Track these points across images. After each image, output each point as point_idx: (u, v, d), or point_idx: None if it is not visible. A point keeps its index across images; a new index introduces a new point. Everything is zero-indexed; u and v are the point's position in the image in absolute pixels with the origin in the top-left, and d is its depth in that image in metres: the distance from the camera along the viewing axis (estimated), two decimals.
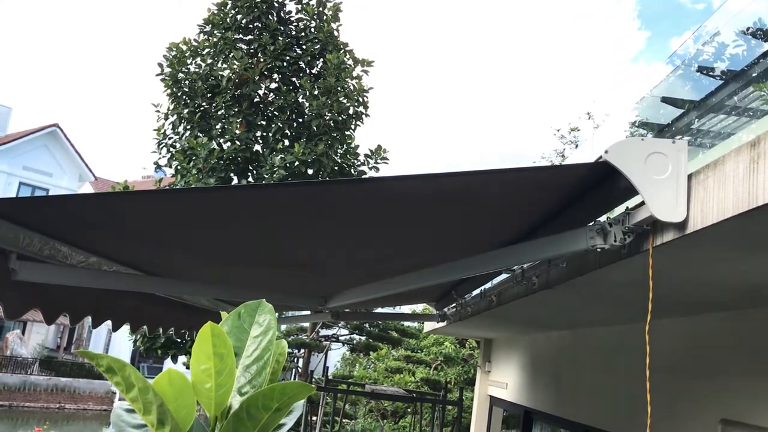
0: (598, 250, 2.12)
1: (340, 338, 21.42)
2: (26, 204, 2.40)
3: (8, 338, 34.67)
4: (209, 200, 2.27)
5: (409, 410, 11.90)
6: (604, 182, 2.15)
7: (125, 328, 4.51)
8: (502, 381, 7.90)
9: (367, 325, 19.11)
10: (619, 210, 2.18)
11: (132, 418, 1.28)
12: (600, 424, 4.90)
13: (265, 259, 3.45)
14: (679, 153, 1.91)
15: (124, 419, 1.28)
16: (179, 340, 10.74)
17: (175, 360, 11.08)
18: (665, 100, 7.71)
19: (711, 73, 6.22)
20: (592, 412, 5.08)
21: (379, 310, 7.73)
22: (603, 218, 2.22)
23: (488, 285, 4.27)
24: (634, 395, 4.21)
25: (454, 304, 5.58)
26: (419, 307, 17.19)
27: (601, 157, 1.92)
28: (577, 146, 17.87)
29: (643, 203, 1.95)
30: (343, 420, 10.65)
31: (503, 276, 3.83)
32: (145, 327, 4.20)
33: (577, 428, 5.47)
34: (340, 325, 19.68)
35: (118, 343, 33.02)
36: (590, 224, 2.18)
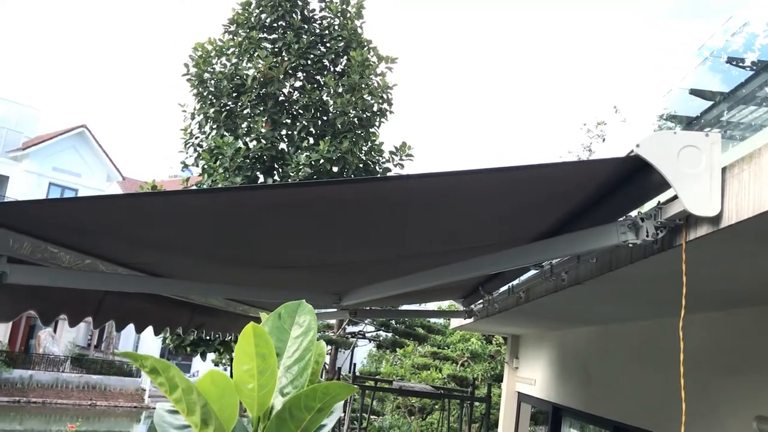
0: (630, 245, 2.10)
1: (367, 335, 21.47)
2: (17, 208, 2.41)
3: (41, 337, 35.26)
4: (218, 202, 2.26)
5: (436, 407, 11.88)
6: (635, 176, 2.12)
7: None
8: (531, 377, 7.86)
9: (393, 322, 19.13)
10: (651, 205, 2.15)
11: (174, 419, 1.29)
12: (631, 420, 4.86)
13: (279, 259, 3.43)
14: (713, 146, 1.88)
15: (167, 420, 1.29)
16: (208, 338, 10.83)
17: (204, 357, 11.17)
18: (694, 92, 7.61)
19: (741, 64, 6.12)
20: (623, 408, 5.03)
21: (405, 307, 7.72)
22: (634, 213, 2.20)
23: (516, 281, 4.24)
24: (666, 391, 4.17)
25: (481, 301, 5.55)
26: (444, 304, 17.16)
27: (632, 151, 1.90)
28: (604, 140, 17.69)
29: (675, 197, 1.92)
30: (371, 416, 10.67)
31: (531, 272, 3.80)
32: (150, 327, 4.17)
33: (607, 425, 5.43)
34: (366, 322, 19.72)
35: (148, 341, 33.40)
36: (621, 219, 2.15)
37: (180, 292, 3.95)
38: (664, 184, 1.92)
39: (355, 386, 1.17)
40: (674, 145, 1.88)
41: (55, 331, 36.33)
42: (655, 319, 4.35)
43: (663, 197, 2.07)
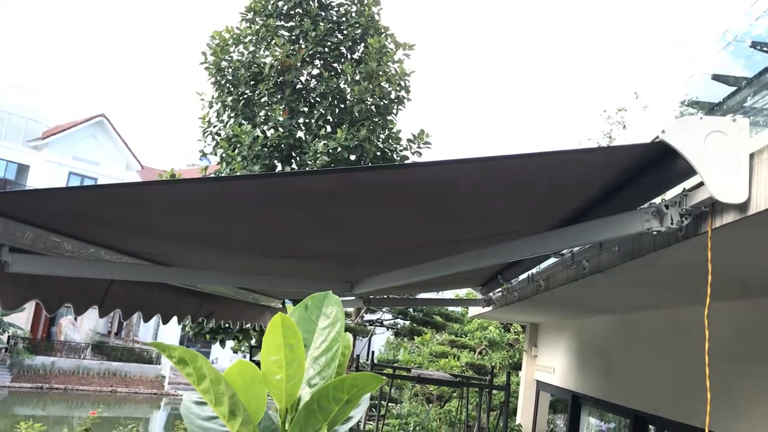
0: (654, 232, 2.06)
1: (384, 323, 21.50)
2: (17, 198, 2.41)
3: (62, 324, 35.68)
4: (230, 190, 2.24)
5: (454, 394, 11.89)
6: (659, 163, 2.08)
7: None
8: (549, 366, 7.84)
9: (411, 310, 19.14)
10: (675, 192, 2.11)
11: (201, 410, 1.28)
12: (651, 409, 4.83)
13: (292, 248, 3.40)
14: (740, 131, 1.84)
15: (194, 411, 1.28)
16: (227, 326, 10.89)
17: (223, 345, 11.24)
18: (716, 77, 7.48)
19: (765, 49, 6.01)
20: (643, 397, 5.00)
21: (422, 295, 7.71)
22: (658, 200, 2.16)
23: (536, 269, 4.21)
24: (688, 380, 4.13)
25: (499, 289, 5.53)
26: (462, 292, 17.13)
27: (657, 137, 1.87)
28: (624, 126, 17.49)
29: (701, 184, 1.89)
30: (389, 404, 10.70)
31: (552, 260, 3.77)
32: (158, 315, 4.15)
33: (627, 413, 5.40)
34: (384, 310, 19.75)
35: (167, 328, 33.69)
36: (645, 206, 2.12)
37: (189, 280, 3.93)
38: (689, 171, 1.89)
39: (384, 377, 1.15)
40: (700, 130, 1.85)
41: (75, 318, 36.74)
42: (677, 308, 4.30)
43: (688, 184, 2.04)
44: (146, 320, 4.15)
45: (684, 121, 1.87)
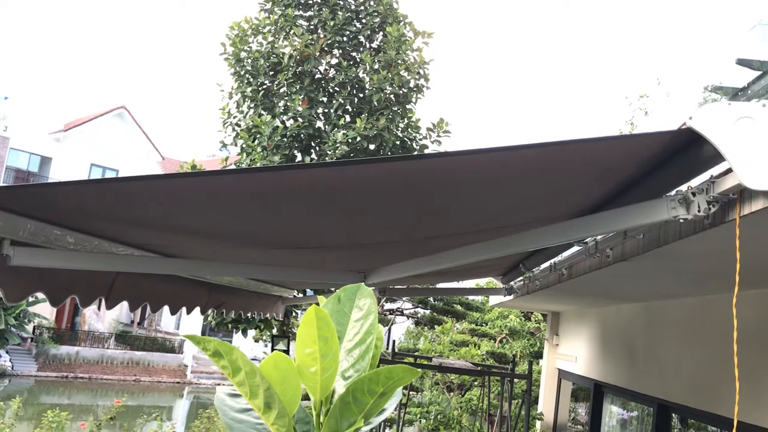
0: (681, 220, 2.04)
1: (405, 312, 21.52)
2: (17, 192, 2.41)
3: (85, 314, 36.14)
4: (245, 182, 2.23)
5: (475, 383, 11.88)
6: (686, 150, 2.06)
7: None
8: (571, 354, 7.81)
9: (431, 299, 19.14)
10: (702, 179, 2.08)
11: (235, 403, 1.28)
12: (675, 398, 4.79)
13: (304, 240, 3.38)
14: None
15: (228, 404, 1.28)
16: (250, 315, 10.96)
17: (245, 334, 11.32)
18: (741, 62, 7.38)
19: None
20: (667, 386, 4.96)
21: (441, 285, 7.69)
22: (684, 187, 2.13)
23: (558, 258, 4.19)
24: (713, 369, 4.09)
25: (521, 278, 5.51)
26: (482, 281, 17.08)
27: (684, 123, 1.84)
28: (646, 113, 17.29)
29: (729, 171, 1.86)
30: (410, 392, 10.73)
31: (575, 249, 3.74)
32: (166, 306, 4.14)
33: (651, 402, 5.37)
34: (404, 299, 19.76)
35: (190, 317, 33.99)
36: (672, 194, 2.09)
37: (197, 272, 3.89)
38: (717, 157, 1.86)
39: (419, 370, 1.14)
40: (729, 116, 1.82)
41: (99, 308, 37.18)
42: (702, 296, 4.26)
43: (715, 171, 2.01)
44: (154, 311, 4.16)
45: (711, 107, 1.84)
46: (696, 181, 2.09)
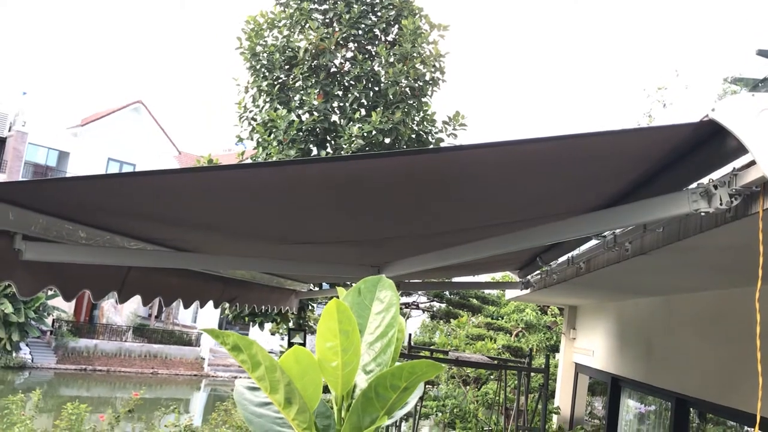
0: (702, 214, 2.01)
1: (420, 306, 21.53)
2: (26, 187, 2.42)
3: (104, 307, 36.45)
4: (260, 177, 2.22)
5: (491, 377, 11.87)
6: (707, 142, 2.03)
7: None
8: (588, 348, 7.77)
9: (447, 293, 19.12)
10: (723, 171, 2.06)
11: (254, 396, 1.27)
12: (694, 392, 4.76)
13: (319, 234, 3.36)
14: None
15: (247, 397, 1.28)
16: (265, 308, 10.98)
17: (262, 327, 11.36)
18: (761, 53, 7.28)
19: None
20: (686, 380, 4.93)
21: (457, 279, 7.68)
22: (705, 180, 2.11)
23: (576, 251, 4.16)
24: (734, 364, 4.06)
25: (538, 272, 5.48)
26: (498, 275, 17.04)
27: (706, 115, 1.82)
28: (664, 106, 17.13)
29: (752, 163, 1.84)
30: (426, 386, 10.73)
31: (593, 242, 3.71)
32: (179, 300, 4.12)
33: (668, 397, 5.33)
34: (419, 293, 19.75)
35: (207, 310, 34.18)
36: (693, 187, 2.06)
37: (210, 266, 3.87)
38: (739, 150, 1.83)
39: (443, 365, 1.13)
40: (752, 108, 1.79)
41: (116, 302, 37.42)
42: (723, 290, 4.22)
43: (738, 163, 1.98)
44: (167, 305, 4.15)
45: (734, 99, 1.81)
46: (717, 174, 2.06)
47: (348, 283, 5.50)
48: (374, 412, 1.13)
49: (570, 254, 4.26)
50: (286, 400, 1.13)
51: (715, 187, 1.99)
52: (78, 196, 2.34)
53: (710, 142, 2.01)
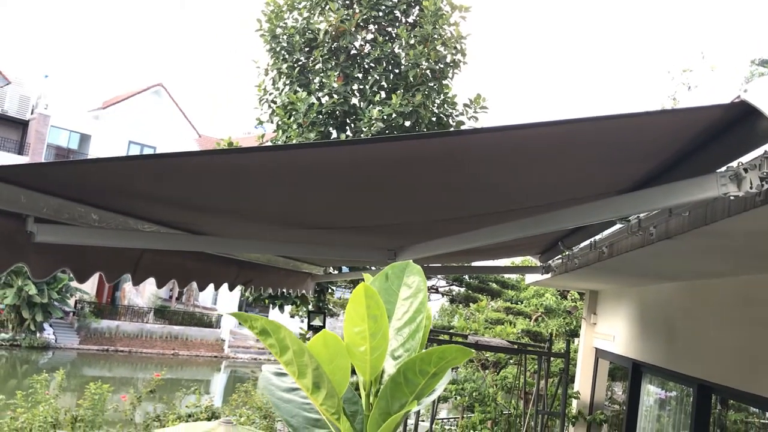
0: (731, 197, 1.97)
1: (439, 289, 21.52)
2: (39, 170, 2.41)
3: (125, 289, 36.86)
4: (279, 160, 2.20)
5: (511, 361, 11.86)
6: (737, 124, 1.98)
7: None
8: (609, 333, 7.72)
9: (466, 277, 19.09)
10: (754, 154, 2.01)
11: (281, 382, 1.26)
12: (718, 379, 4.71)
13: (335, 219, 3.33)
14: None
15: (274, 383, 1.26)
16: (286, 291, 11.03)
17: (282, 310, 11.42)
18: None
19: None
20: (709, 366, 4.88)
21: (476, 263, 7.64)
22: (735, 163, 2.06)
23: (599, 236, 4.11)
24: (759, 350, 4.01)
25: (559, 256, 5.44)
26: (518, 259, 16.98)
27: (738, 96, 1.77)
28: (689, 88, 16.88)
29: None
30: None
31: (617, 226, 3.66)
32: (194, 282, 4.11)
33: (690, 383, 5.29)
34: (438, 276, 19.74)
35: (226, 293, 34.41)
36: (722, 170, 2.02)
37: (224, 249, 3.86)
38: None
39: (472, 350, 1.11)
40: None
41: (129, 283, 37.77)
42: (748, 275, 4.16)
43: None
44: (181, 288, 4.14)
45: None
46: (747, 157, 2.02)
47: (367, 267, 5.49)
48: (403, 397, 1.12)
49: (593, 238, 4.21)
50: (314, 385, 1.12)
51: (746, 170, 1.94)
52: (90, 179, 2.34)
53: (741, 124, 1.96)
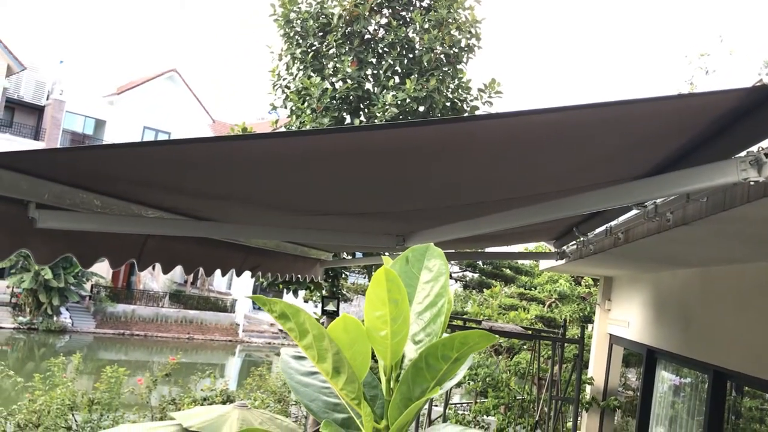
0: (752, 183, 1.94)
1: (453, 275, 21.52)
2: (39, 156, 2.41)
3: (140, 274, 37.12)
4: (290, 146, 2.18)
5: (524, 346, 11.86)
6: (758, 108, 1.96)
7: None
8: (624, 319, 7.70)
9: (480, 263, 19.05)
10: None
11: (300, 365, 1.26)
12: (733, 366, 4.69)
13: (343, 205, 3.31)
14: None
15: (293, 366, 1.26)
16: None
17: (296, 294, 11.44)
18: None
19: None
20: (724, 353, 4.85)
21: (489, 249, 7.62)
22: (755, 148, 2.04)
23: (615, 222, 4.09)
24: None
25: (574, 242, 5.41)
26: (531, 245, 16.93)
27: (760, 80, 1.74)
28: (707, 72, 16.67)
29: None
30: None
31: (633, 212, 3.64)
32: (201, 269, 4.06)
33: (706, 369, 5.27)
34: (452, 262, 19.73)
35: (241, 277, 34.51)
36: (742, 155, 1.99)
37: (231, 235, 3.85)
38: None
39: (496, 336, 1.11)
40: None
41: (153, 268, 38.04)
42: (764, 262, 4.12)
43: None
44: (188, 273, 4.11)
45: None
46: None
47: (375, 253, 5.48)
48: (424, 382, 1.11)
49: (608, 224, 4.19)
50: (334, 370, 1.11)
51: (766, 155, 1.92)
52: (92, 165, 2.34)
53: (761, 108, 1.94)
